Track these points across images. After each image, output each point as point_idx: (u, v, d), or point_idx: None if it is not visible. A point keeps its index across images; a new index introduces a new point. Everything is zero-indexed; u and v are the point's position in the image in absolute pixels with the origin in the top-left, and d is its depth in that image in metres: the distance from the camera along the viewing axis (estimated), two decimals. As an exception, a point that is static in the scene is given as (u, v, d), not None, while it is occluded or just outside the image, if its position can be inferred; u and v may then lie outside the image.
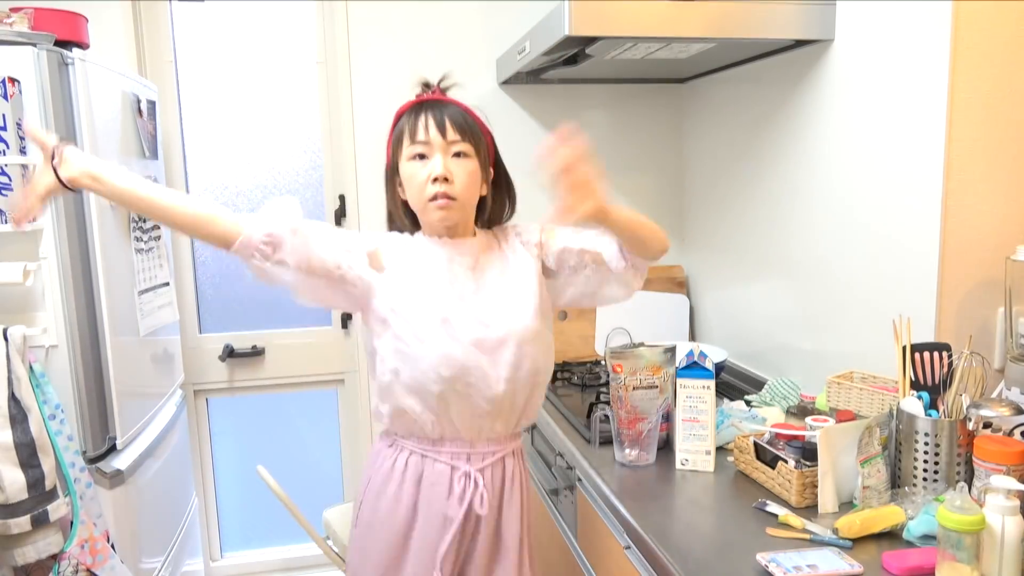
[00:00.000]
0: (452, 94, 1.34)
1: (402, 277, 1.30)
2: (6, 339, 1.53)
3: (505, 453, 1.36)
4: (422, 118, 1.27)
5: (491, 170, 1.36)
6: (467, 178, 1.27)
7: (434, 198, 1.25)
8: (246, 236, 1.19)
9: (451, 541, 1.31)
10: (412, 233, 1.37)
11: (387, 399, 1.32)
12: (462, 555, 1.35)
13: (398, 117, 1.33)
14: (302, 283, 1.24)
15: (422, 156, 1.26)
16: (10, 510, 1.51)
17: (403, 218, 1.37)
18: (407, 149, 1.28)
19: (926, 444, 1.25)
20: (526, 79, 2.35)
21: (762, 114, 2.03)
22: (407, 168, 1.28)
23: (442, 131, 1.26)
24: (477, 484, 1.32)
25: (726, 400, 1.80)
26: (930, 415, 1.26)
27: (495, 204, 1.39)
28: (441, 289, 1.29)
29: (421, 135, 1.26)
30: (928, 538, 1.14)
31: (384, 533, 1.34)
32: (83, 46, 1.78)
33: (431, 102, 1.30)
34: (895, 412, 1.32)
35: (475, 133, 1.29)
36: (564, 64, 2.03)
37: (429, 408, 1.28)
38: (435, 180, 1.24)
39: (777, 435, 1.42)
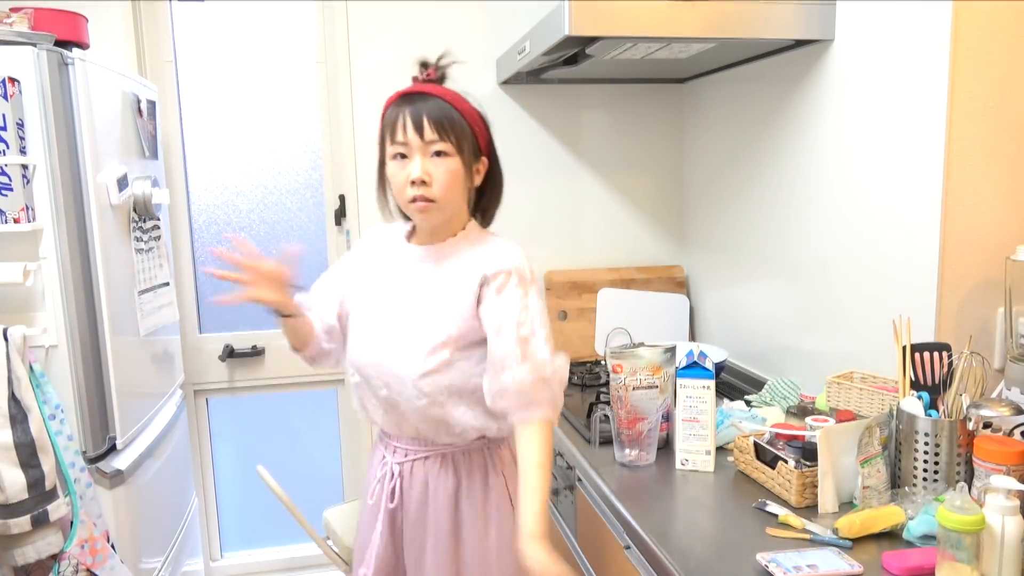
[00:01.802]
0: (451, 75, 1.32)
1: (362, 275, 1.40)
2: (6, 339, 1.53)
3: (429, 455, 1.34)
4: (401, 117, 1.23)
5: (485, 160, 1.32)
6: (446, 178, 1.23)
7: (413, 200, 1.24)
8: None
9: (380, 525, 1.37)
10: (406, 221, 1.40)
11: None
12: (396, 542, 1.39)
13: (384, 109, 1.29)
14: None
15: (403, 156, 1.24)
16: (10, 510, 1.51)
17: (395, 210, 1.38)
18: (389, 147, 1.26)
19: (926, 444, 1.25)
20: (526, 79, 2.35)
21: (762, 114, 2.03)
22: (390, 167, 1.27)
23: (419, 131, 1.22)
24: (392, 475, 1.36)
25: (726, 400, 1.80)
26: (930, 415, 1.26)
27: (490, 195, 1.37)
28: (384, 290, 1.35)
29: (400, 135, 1.23)
30: (928, 538, 1.14)
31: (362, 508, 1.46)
32: (83, 46, 1.78)
33: (413, 96, 1.25)
34: (895, 412, 1.32)
35: (457, 129, 1.24)
36: (564, 64, 2.03)
37: (357, 397, 1.39)
38: (413, 183, 1.23)
39: (777, 435, 1.42)
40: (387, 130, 1.26)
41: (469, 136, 1.26)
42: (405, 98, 1.25)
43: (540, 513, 1.18)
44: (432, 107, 1.23)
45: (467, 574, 1.34)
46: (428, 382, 1.26)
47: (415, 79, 1.31)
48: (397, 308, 1.32)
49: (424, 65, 1.30)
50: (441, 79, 1.31)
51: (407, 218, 1.38)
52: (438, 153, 1.23)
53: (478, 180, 1.32)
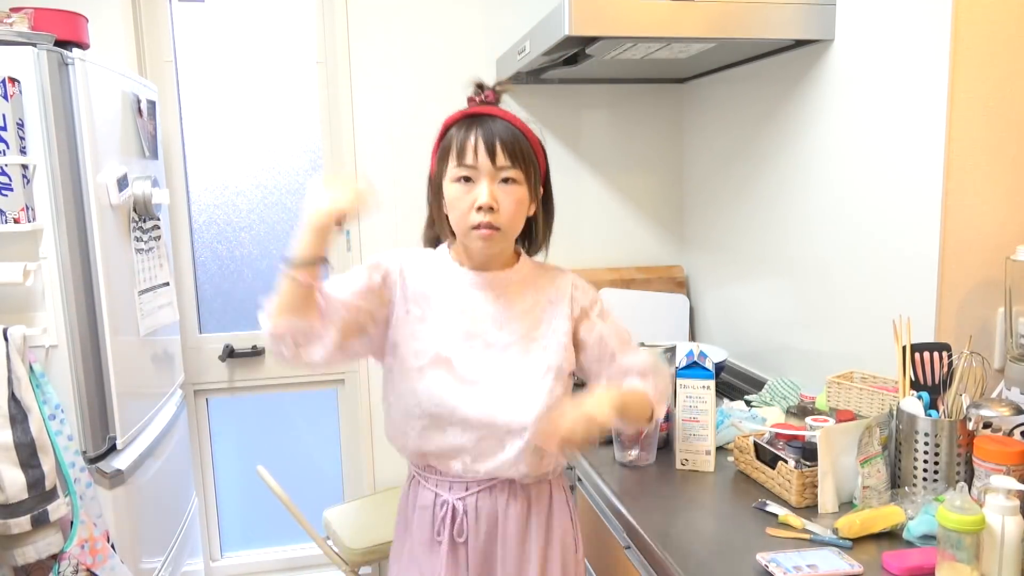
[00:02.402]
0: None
1: (414, 305, 1.25)
2: (6, 339, 1.53)
3: (495, 484, 1.25)
4: (471, 138, 1.17)
5: (540, 189, 1.26)
6: (514, 207, 1.18)
7: (477, 227, 1.17)
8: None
9: (444, 564, 1.26)
10: (450, 243, 1.30)
11: (388, 420, 1.31)
12: None
13: (446, 128, 1.23)
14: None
15: (467, 179, 1.17)
16: (10, 510, 1.51)
17: (445, 230, 1.28)
18: (452, 169, 1.18)
19: (926, 444, 1.25)
20: (526, 79, 2.35)
21: (762, 114, 2.03)
22: (451, 189, 1.19)
23: (491, 156, 1.16)
24: (456, 513, 1.25)
25: (726, 400, 1.80)
26: (930, 415, 1.26)
27: (541, 225, 1.31)
28: (456, 325, 1.23)
29: (469, 158, 1.16)
30: (928, 538, 1.14)
31: (396, 554, 1.36)
32: (83, 46, 1.78)
33: (482, 117, 1.19)
34: (895, 412, 1.32)
35: (527, 157, 1.19)
36: (564, 64, 2.03)
37: (412, 436, 1.25)
38: (479, 209, 1.16)
39: (777, 435, 1.42)
40: (452, 151, 1.19)
41: (534, 167, 1.22)
42: (474, 119, 1.20)
43: (630, 399, 1.19)
44: (504, 131, 1.18)
45: None
46: (546, 406, 1.20)
47: (471, 100, 1.25)
48: (490, 347, 1.23)
49: (480, 87, 1.25)
50: (498, 101, 1.26)
51: (433, 242, 1.32)
52: (505, 180, 1.17)
53: (532, 210, 1.26)
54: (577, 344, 1.28)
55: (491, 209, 1.16)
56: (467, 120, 1.20)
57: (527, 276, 1.29)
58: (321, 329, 1.16)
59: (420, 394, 1.21)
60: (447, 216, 1.23)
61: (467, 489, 1.25)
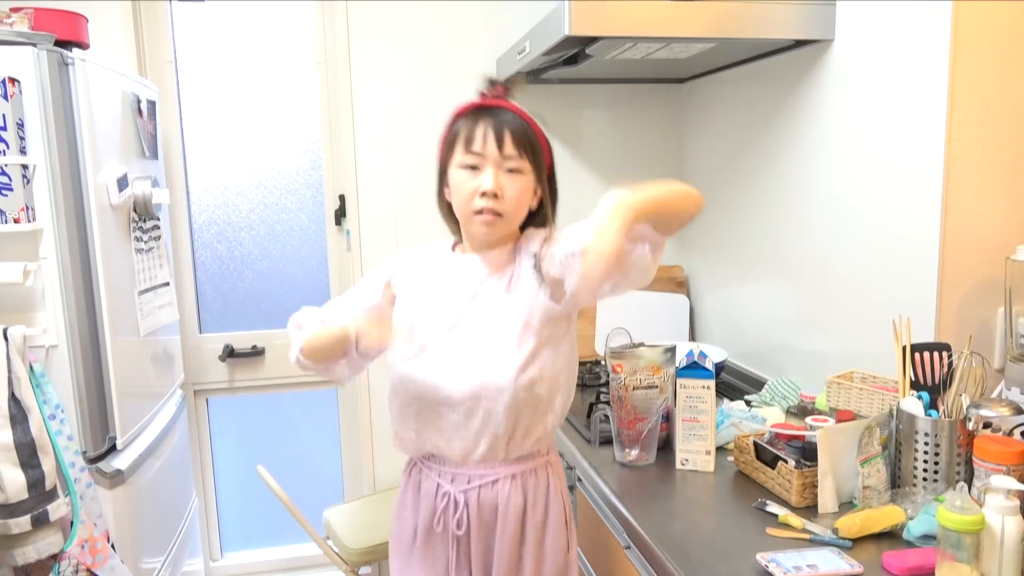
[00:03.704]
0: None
1: (407, 300, 1.33)
2: (6, 339, 1.53)
3: (498, 477, 1.27)
4: (480, 127, 1.20)
5: (545, 181, 1.30)
6: (518, 195, 1.22)
7: (480, 212, 1.21)
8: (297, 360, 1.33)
9: (452, 556, 1.29)
10: (457, 233, 1.34)
11: (390, 410, 1.34)
12: (464, 570, 1.32)
13: (455, 118, 1.26)
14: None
15: (473, 167, 1.21)
16: (10, 510, 1.51)
17: (448, 219, 1.34)
18: (460, 156, 1.22)
19: (926, 444, 1.25)
20: (526, 79, 2.34)
21: (762, 114, 2.03)
22: (456, 175, 1.23)
23: (500, 144, 1.20)
24: (457, 504, 1.28)
25: (726, 400, 1.80)
26: (930, 415, 1.26)
27: (539, 219, 1.33)
28: (435, 313, 1.28)
29: (477, 146, 1.20)
30: (928, 538, 1.14)
31: (397, 538, 1.37)
32: (83, 46, 1.78)
33: (491, 109, 1.23)
34: (895, 412, 1.32)
35: (534, 147, 1.23)
36: (564, 64, 2.03)
37: (411, 424, 1.30)
38: (483, 195, 1.20)
39: (777, 435, 1.42)
40: (460, 139, 1.22)
41: (540, 158, 1.25)
42: (483, 110, 1.23)
43: (645, 195, 1.13)
44: (513, 122, 1.21)
45: None
46: (525, 376, 1.22)
47: (483, 94, 1.27)
48: (473, 319, 1.26)
49: (492, 82, 1.27)
50: (508, 96, 1.28)
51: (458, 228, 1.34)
52: (511, 170, 1.21)
53: (534, 203, 1.29)
54: (547, 278, 1.24)
55: (495, 196, 1.20)
56: (476, 111, 1.23)
57: (515, 254, 1.31)
58: (345, 366, 1.31)
59: (406, 381, 1.27)
60: (448, 202, 1.29)
61: (469, 482, 1.28)
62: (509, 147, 1.20)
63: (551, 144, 1.30)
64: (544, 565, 1.30)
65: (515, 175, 1.21)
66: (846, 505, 1.31)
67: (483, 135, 1.20)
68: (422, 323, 1.29)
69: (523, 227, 1.32)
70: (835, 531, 1.19)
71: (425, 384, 1.26)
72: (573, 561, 1.35)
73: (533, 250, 1.28)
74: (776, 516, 1.27)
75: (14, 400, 1.53)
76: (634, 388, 1.52)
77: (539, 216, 1.32)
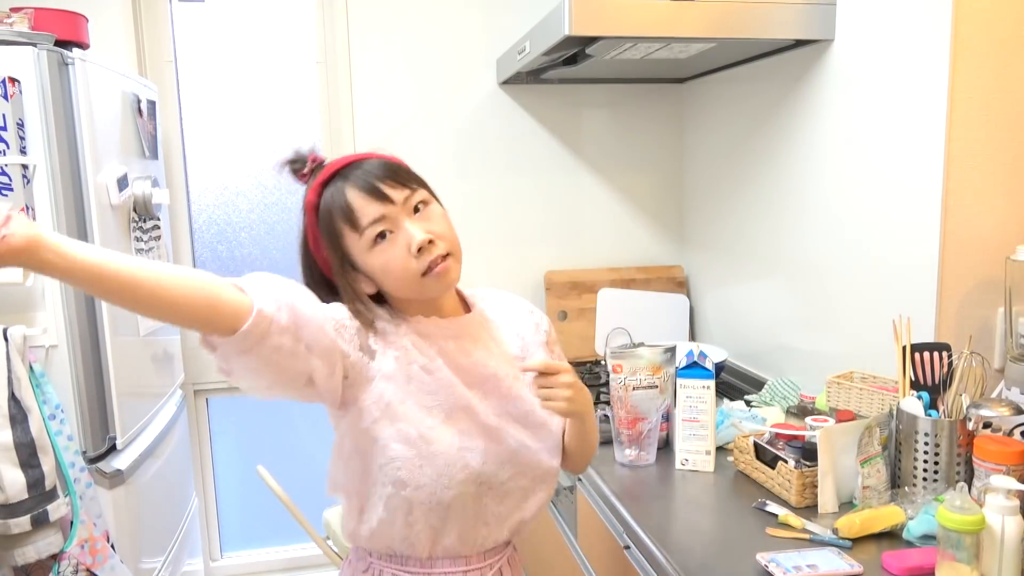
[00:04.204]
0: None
1: (399, 362, 1.06)
2: (6, 339, 1.53)
3: (501, 563, 1.15)
4: (352, 192, 1.02)
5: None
6: (445, 223, 1.07)
7: (428, 269, 1.02)
8: (260, 312, 0.90)
9: None
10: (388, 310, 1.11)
11: (372, 509, 1.07)
12: None
13: (312, 209, 1.06)
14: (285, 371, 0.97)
15: (384, 233, 1.02)
16: (10, 510, 1.51)
17: (374, 311, 1.08)
18: (358, 240, 1.03)
19: (926, 444, 1.25)
20: (526, 79, 2.35)
21: (762, 114, 2.03)
22: (372, 259, 1.03)
23: (385, 196, 1.02)
24: None
25: (726, 400, 1.80)
26: (930, 415, 1.26)
27: None
28: (446, 394, 1.06)
29: (368, 213, 1.01)
30: (928, 538, 1.14)
31: None
32: (83, 46, 1.78)
33: (341, 170, 1.05)
34: (895, 412, 1.32)
35: (414, 174, 1.08)
36: (564, 64, 2.03)
37: (430, 519, 1.05)
38: (420, 250, 1.02)
39: (777, 435, 1.42)
40: (341, 221, 1.03)
41: (422, 179, 1.10)
42: (336, 175, 1.05)
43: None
44: (375, 166, 1.05)
45: None
46: (545, 466, 1.12)
47: (303, 175, 1.10)
48: (483, 393, 1.09)
49: (297, 157, 1.10)
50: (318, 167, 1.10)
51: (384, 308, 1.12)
52: (421, 204, 1.06)
53: None
54: None
55: (430, 243, 1.03)
56: (329, 180, 1.05)
57: (488, 307, 1.18)
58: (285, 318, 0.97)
59: (443, 470, 1.03)
60: (372, 294, 1.08)
61: (481, 573, 1.13)
62: (399, 190, 1.03)
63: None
64: None
65: (426, 208, 1.06)
66: (846, 505, 1.31)
67: (361, 197, 1.02)
68: (434, 404, 1.06)
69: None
70: (835, 531, 1.19)
71: (478, 473, 1.05)
72: None
73: (550, 336, 1.21)
74: (776, 516, 1.27)
75: (14, 400, 1.53)
76: (634, 388, 1.52)
77: None
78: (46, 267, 0.85)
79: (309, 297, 1.00)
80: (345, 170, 1.05)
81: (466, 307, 1.18)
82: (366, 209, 1.02)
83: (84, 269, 0.85)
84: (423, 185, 1.09)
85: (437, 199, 1.11)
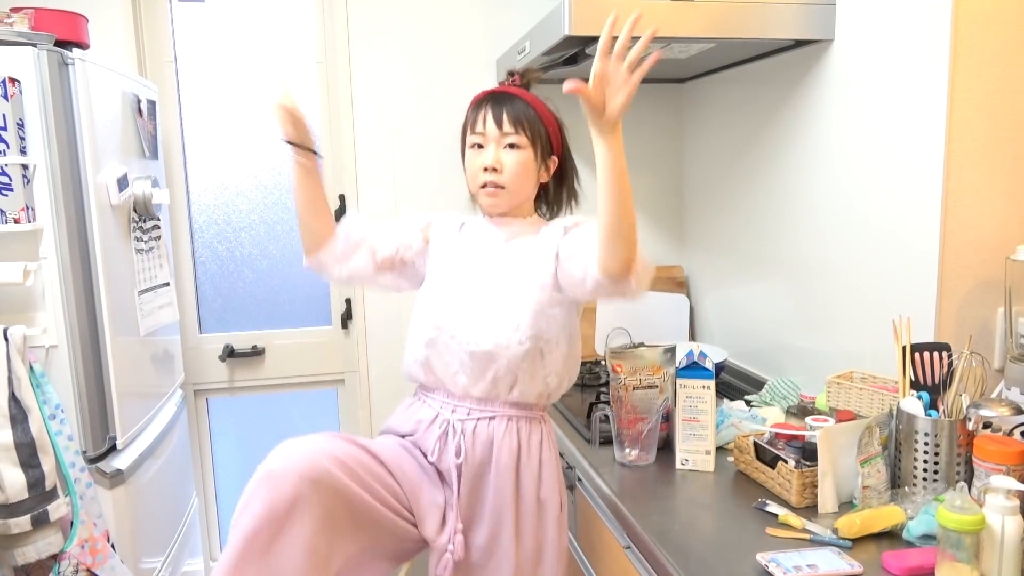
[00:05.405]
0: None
1: (439, 248, 1.48)
2: (6, 339, 1.53)
3: (495, 415, 1.39)
4: (482, 111, 1.37)
5: (556, 159, 1.43)
6: (517, 168, 1.36)
7: (484, 185, 1.37)
8: (338, 231, 1.46)
9: (455, 481, 1.37)
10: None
11: (408, 344, 1.47)
12: (463, 501, 1.39)
13: (469, 108, 1.42)
14: (373, 272, 1.49)
15: (479, 146, 1.38)
16: (10, 510, 1.51)
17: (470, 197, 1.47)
18: (469, 138, 1.40)
19: (926, 444, 1.25)
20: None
21: (762, 114, 2.03)
22: (467, 156, 1.41)
23: (498, 124, 1.35)
24: (455, 431, 1.38)
25: (726, 400, 1.80)
26: (930, 415, 1.26)
27: (556, 192, 1.48)
28: (461, 264, 1.43)
29: (480, 127, 1.37)
30: (928, 538, 1.14)
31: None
32: (83, 46, 1.78)
33: (495, 95, 1.38)
34: (895, 412, 1.32)
35: (532, 125, 1.36)
36: (564, 64, 2.03)
37: (421, 351, 1.42)
38: (485, 169, 1.36)
39: (777, 435, 1.42)
40: (469, 123, 1.40)
41: (543, 134, 1.39)
42: (491, 96, 1.39)
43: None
44: (512, 104, 1.37)
45: (525, 544, 1.39)
46: (531, 325, 1.35)
47: (502, 83, 1.44)
48: (490, 271, 1.41)
49: (511, 73, 1.43)
50: (527, 86, 1.43)
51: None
52: (511, 146, 1.36)
53: (545, 177, 1.43)
54: (559, 256, 1.38)
55: (495, 170, 1.35)
56: (485, 97, 1.40)
57: (532, 228, 1.44)
58: (341, 245, 1.46)
59: (428, 313, 1.41)
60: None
61: (468, 414, 1.39)
62: (507, 124, 1.35)
63: (562, 123, 1.44)
64: (546, 516, 1.40)
65: (514, 150, 1.36)
66: (846, 505, 1.31)
67: (484, 117, 1.37)
68: (449, 270, 1.44)
69: (544, 202, 1.49)
70: (835, 531, 1.19)
71: (443, 323, 1.38)
72: (564, 522, 1.44)
73: (566, 224, 1.42)
74: (776, 516, 1.27)
75: (14, 400, 1.53)
76: (634, 388, 1.52)
77: (558, 191, 1.48)
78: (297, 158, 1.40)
79: (383, 230, 1.50)
80: (501, 95, 1.38)
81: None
82: (480, 124, 1.37)
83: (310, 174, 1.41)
84: (529, 134, 1.36)
85: (543, 150, 1.40)
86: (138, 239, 1.94)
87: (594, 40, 1.74)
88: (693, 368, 1.50)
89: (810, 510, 1.30)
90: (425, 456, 1.40)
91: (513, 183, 1.37)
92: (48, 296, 1.63)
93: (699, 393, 1.49)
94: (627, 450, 1.54)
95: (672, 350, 1.59)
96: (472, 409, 1.40)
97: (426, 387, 1.47)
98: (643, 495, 1.41)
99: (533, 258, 1.40)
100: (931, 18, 1.42)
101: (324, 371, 2.59)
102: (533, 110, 1.38)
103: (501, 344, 1.35)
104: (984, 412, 1.24)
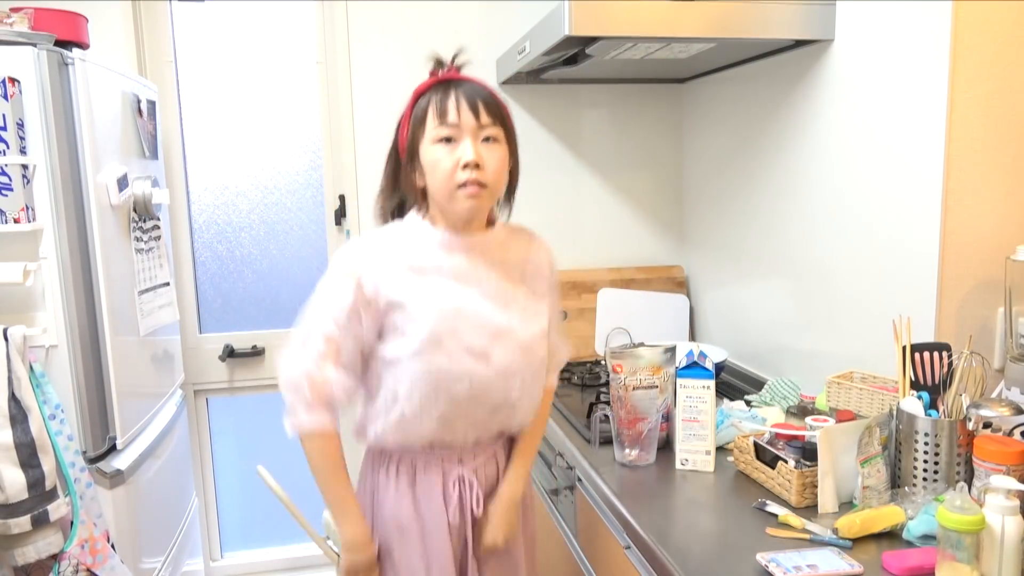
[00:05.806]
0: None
1: (404, 291, 1.22)
2: (6, 339, 1.53)
3: (496, 448, 1.38)
4: (452, 98, 1.18)
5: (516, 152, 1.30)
6: (498, 164, 1.20)
7: (463, 185, 1.17)
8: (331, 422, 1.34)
9: (455, 539, 1.34)
10: (421, 211, 1.28)
11: (391, 411, 1.26)
12: (464, 549, 1.37)
13: (417, 96, 1.23)
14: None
15: (448, 139, 1.18)
16: (10, 510, 1.51)
17: (421, 203, 1.27)
18: (432, 131, 1.18)
19: (926, 444, 1.25)
20: (526, 79, 2.35)
21: (762, 114, 2.03)
22: (431, 152, 1.19)
23: (475, 113, 1.17)
24: (472, 486, 1.33)
25: (726, 400, 1.80)
26: (930, 415, 1.26)
27: (511, 189, 1.32)
28: (467, 305, 1.24)
29: (452, 116, 1.17)
30: (928, 538, 1.14)
31: (393, 530, 1.35)
32: (83, 46, 1.78)
33: (459, 80, 1.21)
34: (895, 412, 1.32)
35: (505, 117, 1.23)
36: (564, 64, 2.03)
37: (434, 415, 1.25)
38: (466, 166, 1.16)
39: (777, 435, 1.42)
40: (430, 113, 1.19)
41: (510, 127, 1.25)
42: (448, 83, 1.21)
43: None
44: (484, 91, 1.20)
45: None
46: (542, 346, 1.32)
47: (434, 73, 1.24)
48: (504, 303, 1.27)
49: (440, 63, 1.24)
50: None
51: (395, 213, 1.31)
52: (488, 139, 1.19)
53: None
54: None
55: (477, 166, 1.17)
56: (441, 85, 1.21)
57: (505, 238, 1.33)
58: (347, 402, 1.32)
59: (433, 373, 1.21)
60: (420, 187, 1.24)
61: (475, 458, 1.33)
62: (484, 115, 1.18)
63: (510, 113, 1.27)
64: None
65: (493, 144, 1.20)
66: (846, 505, 1.31)
67: (456, 105, 1.17)
68: (434, 313, 1.22)
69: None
70: (835, 531, 1.19)
71: (460, 373, 1.22)
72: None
73: (553, 279, 1.41)
74: (776, 516, 1.27)
75: (14, 400, 1.53)
76: (634, 388, 1.52)
77: (508, 192, 1.33)
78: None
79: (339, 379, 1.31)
80: (462, 81, 1.21)
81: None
82: (452, 113, 1.17)
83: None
84: (506, 127, 1.23)
85: (512, 146, 1.25)
86: (138, 239, 1.94)
87: (594, 40, 1.75)
88: (693, 368, 1.50)
89: (810, 510, 1.29)
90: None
91: (495, 181, 1.21)
92: (48, 296, 1.63)
93: (699, 393, 1.49)
94: (627, 450, 1.54)
95: (672, 350, 1.59)
96: (478, 452, 1.34)
97: (428, 447, 1.30)
98: (643, 495, 1.40)
99: (535, 288, 1.35)
100: (931, 18, 1.42)
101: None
102: (497, 99, 1.22)
103: (525, 365, 1.29)
104: (984, 412, 1.24)
